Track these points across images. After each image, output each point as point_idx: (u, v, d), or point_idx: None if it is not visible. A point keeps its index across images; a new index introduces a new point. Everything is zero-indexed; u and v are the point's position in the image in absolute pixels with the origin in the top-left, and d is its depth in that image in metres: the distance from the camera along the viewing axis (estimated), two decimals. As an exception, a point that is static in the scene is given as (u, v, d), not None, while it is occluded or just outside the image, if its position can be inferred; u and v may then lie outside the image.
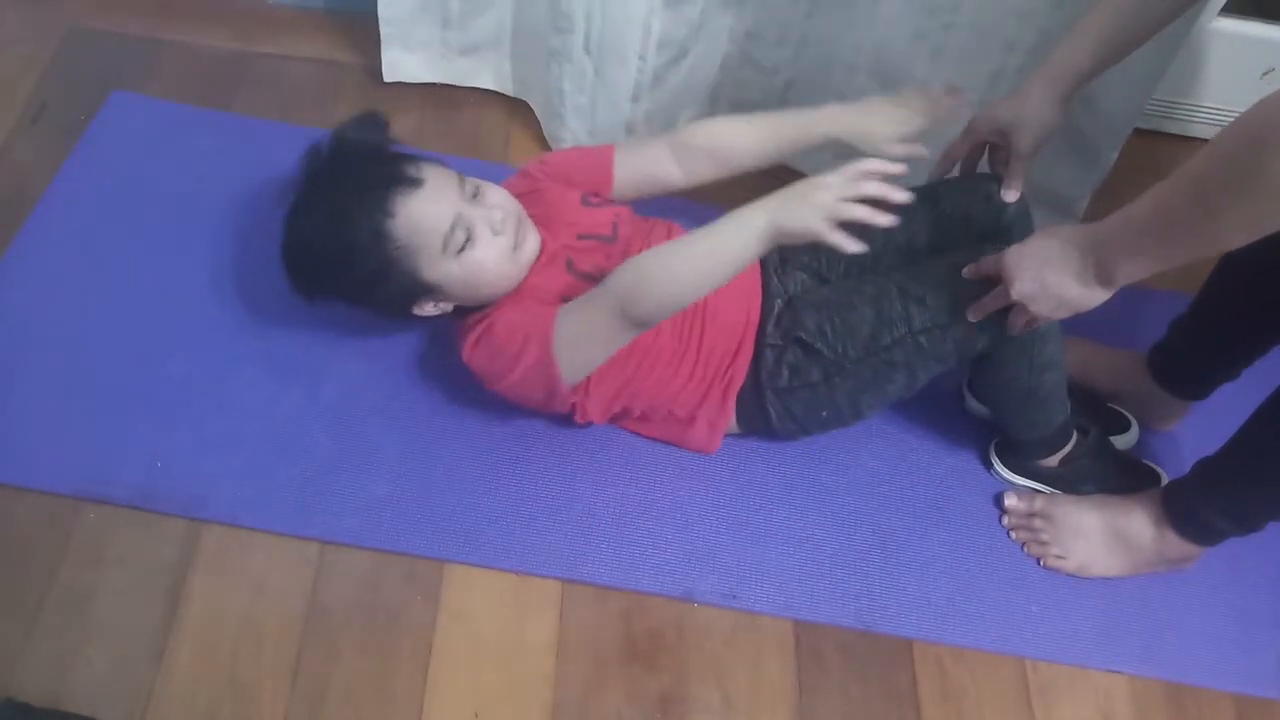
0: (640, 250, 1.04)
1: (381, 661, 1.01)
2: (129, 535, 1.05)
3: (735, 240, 0.95)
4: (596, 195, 1.15)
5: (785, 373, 1.08)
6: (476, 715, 0.99)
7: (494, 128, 1.46)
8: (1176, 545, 1.10)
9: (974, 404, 1.23)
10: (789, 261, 1.16)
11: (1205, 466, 1.07)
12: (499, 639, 1.04)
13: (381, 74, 1.42)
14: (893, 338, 1.04)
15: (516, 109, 1.47)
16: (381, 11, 1.35)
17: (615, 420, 1.15)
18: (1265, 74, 1.52)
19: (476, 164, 1.40)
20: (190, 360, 1.17)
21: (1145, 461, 1.22)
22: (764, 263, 1.14)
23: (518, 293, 1.06)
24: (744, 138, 1.14)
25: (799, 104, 1.38)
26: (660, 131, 1.22)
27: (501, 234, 1.03)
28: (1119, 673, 1.09)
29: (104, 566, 1.03)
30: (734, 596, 1.09)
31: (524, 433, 1.16)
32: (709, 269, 0.97)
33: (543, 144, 1.44)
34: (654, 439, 1.17)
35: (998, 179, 1.10)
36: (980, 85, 1.25)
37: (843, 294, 1.09)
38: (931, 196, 1.12)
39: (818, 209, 0.91)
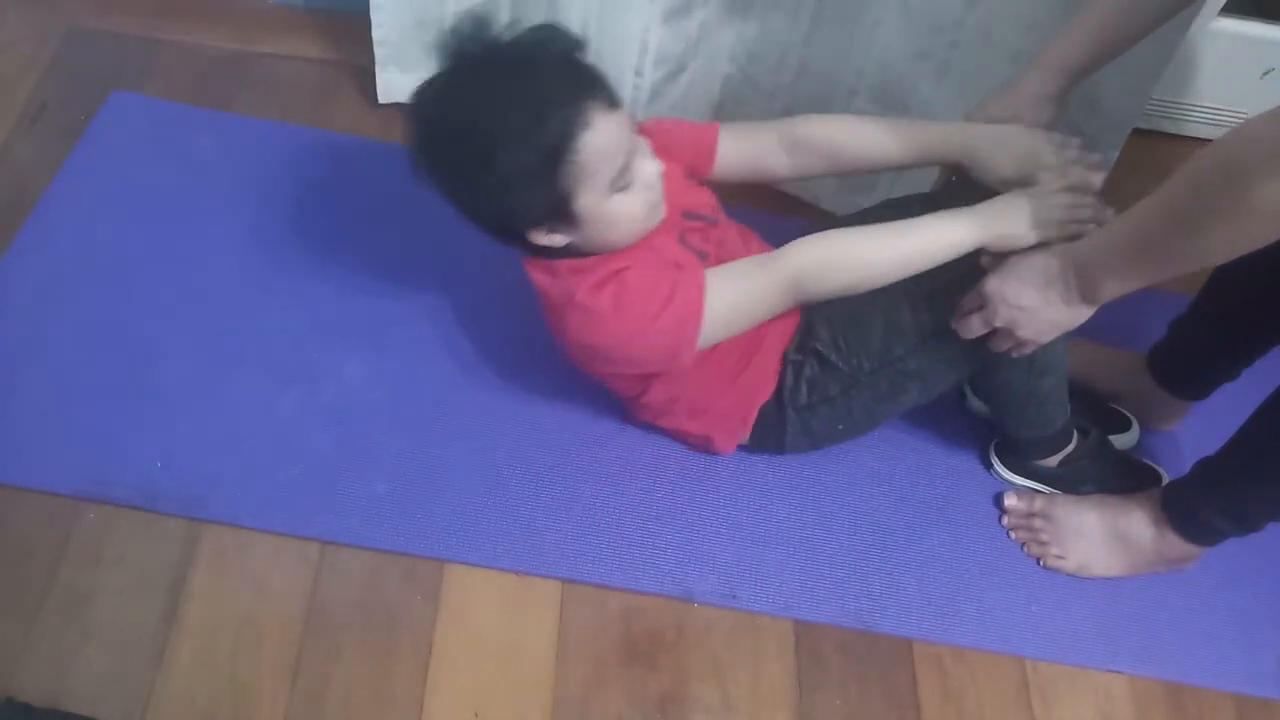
0: (733, 245, 1.04)
1: (381, 661, 1.01)
2: (129, 535, 1.05)
3: (935, 244, 0.95)
4: (695, 173, 1.10)
5: (804, 388, 1.08)
6: (476, 715, 0.99)
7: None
8: (1176, 545, 1.10)
9: (975, 402, 1.23)
10: None
11: (1205, 466, 1.07)
12: (499, 639, 1.04)
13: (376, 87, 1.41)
14: (905, 348, 1.03)
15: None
16: (375, 33, 1.34)
17: (654, 412, 1.14)
18: (1265, 74, 1.52)
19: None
20: (190, 360, 1.17)
21: (1145, 461, 1.22)
22: None
23: (643, 249, 0.99)
24: (865, 140, 1.07)
25: (804, 109, 1.37)
26: (769, 118, 1.13)
27: (650, 191, 0.97)
28: (1119, 673, 1.09)
29: (104, 566, 1.03)
30: (734, 596, 1.09)
31: (524, 433, 1.16)
32: (896, 265, 0.96)
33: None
34: (672, 433, 1.16)
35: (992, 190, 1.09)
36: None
37: (854, 306, 1.06)
38: (934, 203, 1.12)
39: (1041, 226, 0.92)
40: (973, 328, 0.97)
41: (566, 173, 0.91)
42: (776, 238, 1.05)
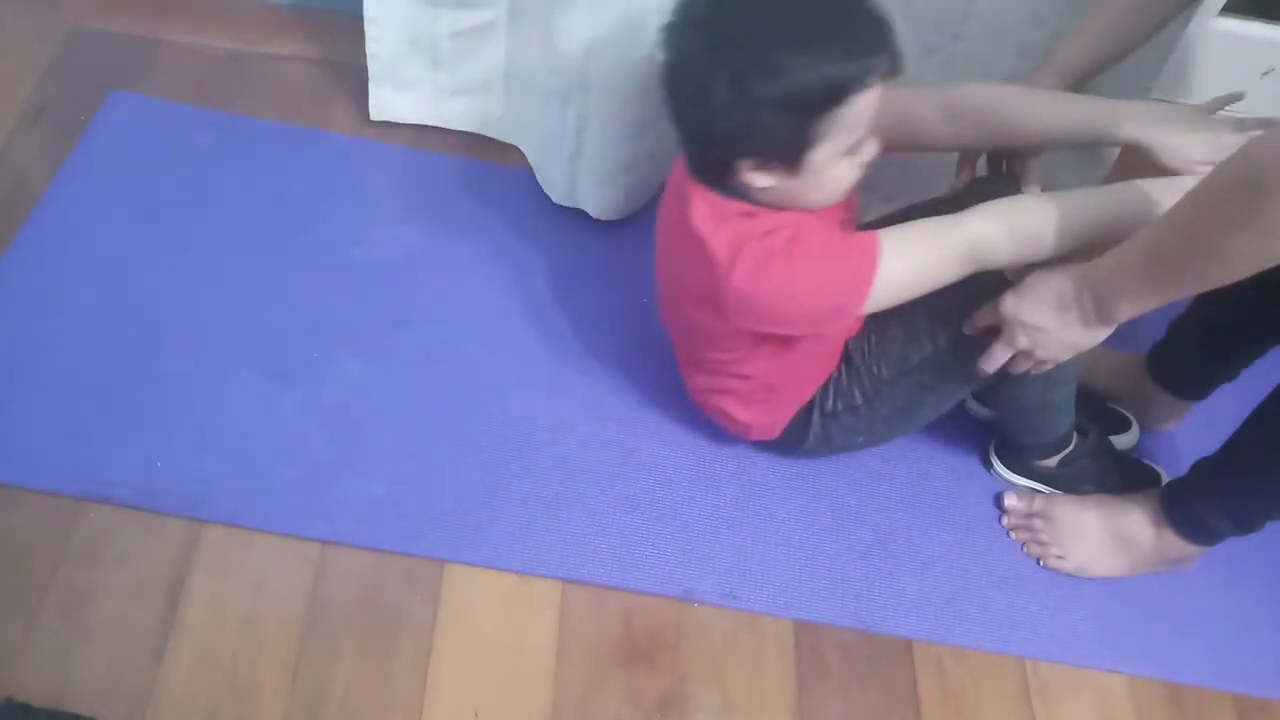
0: None
1: (381, 661, 1.01)
2: (129, 535, 1.05)
3: (1127, 216, 0.89)
4: None
5: (831, 394, 1.08)
6: (476, 715, 0.99)
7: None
8: (1176, 545, 1.10)
9: (975, 406, 1.23)
10: None
11: (1204, 466, 1.07)
12: (499, 639, 1.04)
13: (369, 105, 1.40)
14: (921, 356, 1.03)
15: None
16: (369, 48, 1.32)
17: (711, 394, 1.11)
18: (1265, 74, 1.52)
19: (479, 167, 1.40)
20: (190, 360, 1.17)
21: (1145, 462, 1.22)
22: None
23: (816, 215, 0.95)
24: (1031, 113, 1.00)
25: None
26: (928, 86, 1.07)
27: (864, 166, 0.93)
28: (1119, 673, 1.10)
29: (104, 566, 1.03)
30: (734, 596, 1.09)
31: (524, 433, 1.16)
32: (1079, 236, 0.90)
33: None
34: (713, 413, 1.14)
35: (1016, 180, 1.08)
36: None
37: (876, 312, 1.04)
38: (953, 205, 1.10)
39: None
40: (996, 357, 0.96)
41: (830, 119, 0.86)
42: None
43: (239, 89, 1.43)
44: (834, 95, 0.84)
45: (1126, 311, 0.87)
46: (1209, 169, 0.85)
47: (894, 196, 1.34)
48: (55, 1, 1.49)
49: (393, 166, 1.38)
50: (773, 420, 1.12)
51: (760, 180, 0.90)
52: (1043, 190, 1.05)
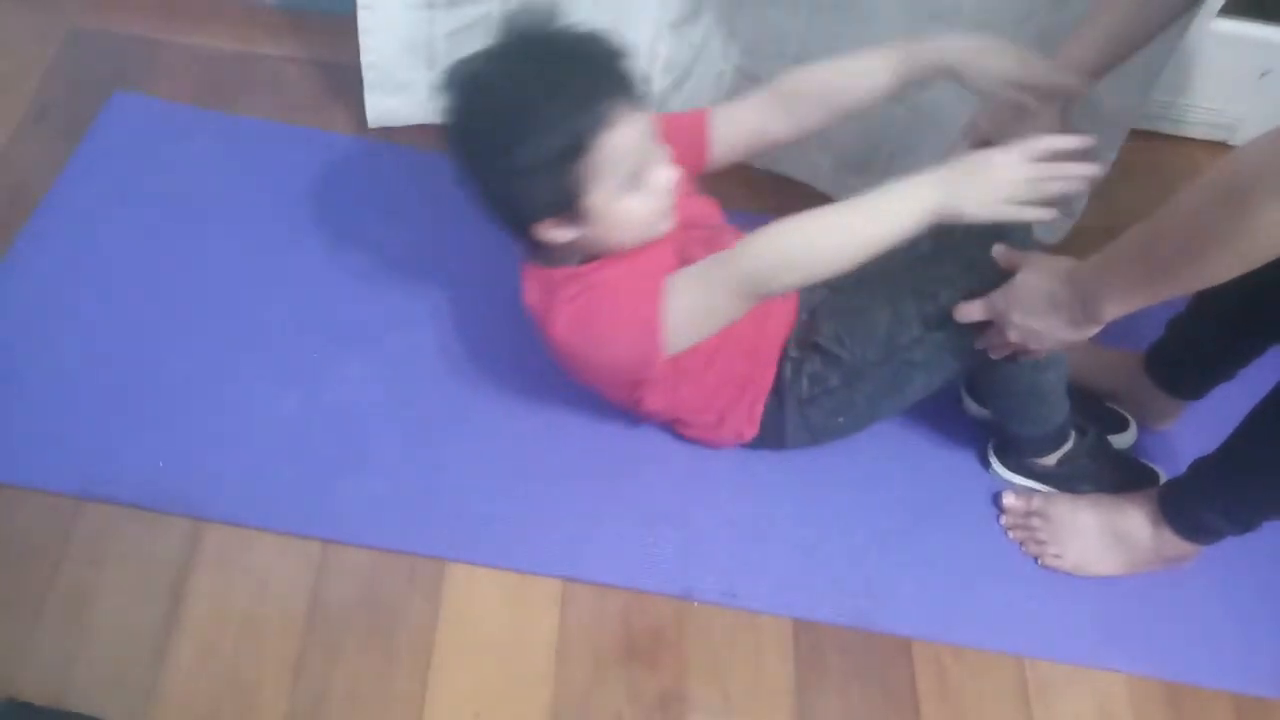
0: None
1: (382, 661, 1.01)
2: (130, 534, 1.05)
3: (891, 221, 0.90)
4: (695, 168, 1.08)
5: (805, 382, 1.08)
6: (476, 715, 1.00)
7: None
8: (1174, 544, 1.10)
9: (972, 406, 1.23)
10: None
11: (1202, 466, 1.07)
12: (499, 639, 1.04)
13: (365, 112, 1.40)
14: (911, 337, 1.04)
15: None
16: (364, 57, 1.32)
17: (657, 416, 1.14)
18: (1264, 75, 1.53)
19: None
20: (192, 360, 1.17)
21: (1143, 461, 1.22)
22: None
23: (635, 257, 1.00)
24: (855, 75, 1.04)
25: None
26: (751, 88, 1.10)
27: (661, 199, 0.97)
28: (1117, 671, 1.10)
29: (105, 566, 1.03)
30: (734, 595, 1.09)
31: (524, 433, 1.16)
32: (855, 248, 0.91)
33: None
34: (677, 432, 1.17)
35: None
36: None
37: (857, 300, 1.08)
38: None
39: (999, 190, 0.87)
40: (992, 344, 1.00)
41: (582, 167, 0.91)
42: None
43: (241, 90, 1.44)
44: (575, 144, 0.90)
45: (1114, 311, 0.89)
46: (1015, 90, 0.95)
47: (917, 108, 1.35)
48: (58, 2, 1.49)
49: (393, 166, 1.38)
50: (735, 428, 1.12)
51: (562, 235, 0.97)
52: None
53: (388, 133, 1.41)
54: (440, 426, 1.16)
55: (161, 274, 1.23)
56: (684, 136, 1.05)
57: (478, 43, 1.30)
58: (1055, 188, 0.88)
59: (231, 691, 0.98)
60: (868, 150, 1.36)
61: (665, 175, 0.97)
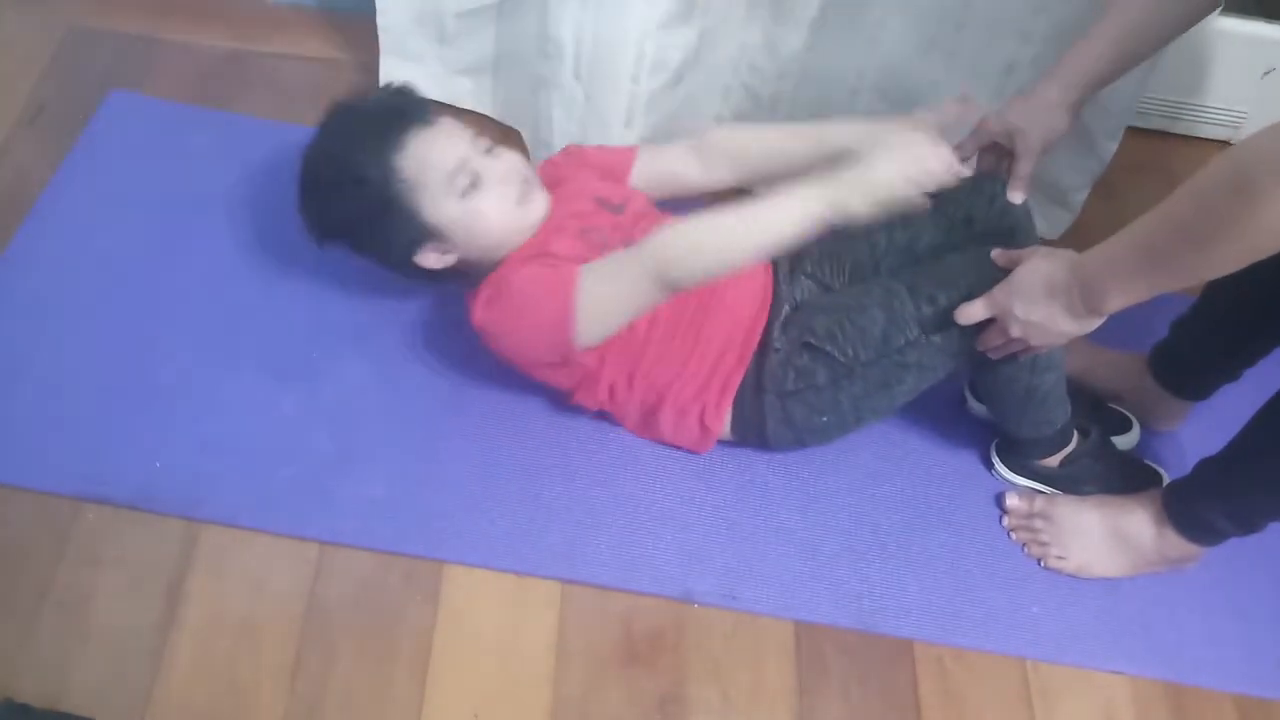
0: (646, 230, 1.05)
1: (381, 662, 1.01)
2: (128, 535, 1.05)
3: (787, 217, 0.97)
4: (612, 177, 1.17)
5: (791, 375, 1.08)
6: (476, 716, 0.99)
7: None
8: (1177, 545, 1.10)
9: (975, 405, 1.23)
10: (797, 269, 1.16)
11: (1206, 467, 1.07)
12: (499, 639, 1.04)
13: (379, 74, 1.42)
14: (906, 339, 1.03)
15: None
16: (380, 20, 1.35)
17: (607, 407, 1.14)
18: (1266, 74, 1.52)
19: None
20: (189, 360, 1.16)
21: (1146, 462, 1.22)
22: (774, 268, 1.14)
23: (534, 249, 1.06)
24: (760, 143, 1.16)
25: (804, 110, 1.37)
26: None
27: (508, 185, 1.05)
28: (1120, 673, 1.09)
29: (103, 567, 1.03)
30: (734, 597, 1.08)
31: (524, 433, 1.16)
32: (756, 242, 0.99)
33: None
34: (647, 438, 1.16)
35: (1002, 180, 1.09)
36: (994, 77, 1.25)
37: (852, 298, 1.08)
38: (933, 197, 1.12)
39: (877, 202, 0.96)
40: (987, 343, 1.00)
41: (401, 193, 1.02)
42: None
43: (238, 88, 1.43)
44: (379, 180, 1.02)
45: (1116, 303, 0.89)
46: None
47: None
48: (54, 1, 1.49)
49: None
50: (704, 415, 1.11)
51: (441, 260, 1.07)
52: (1026, 193, 1.09)
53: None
54: (439, 426, 1.16)
55: (159, 273, 1.23)
56: (612, 156, 1.18)
57: (485, 28, 1.31)
58: (932, 183, 0.98)
59: (228, 693, 0.98)
60: None
61: (503, 164, 1.05)
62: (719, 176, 1.16)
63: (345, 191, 1.04)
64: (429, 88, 1.38)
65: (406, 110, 1.05)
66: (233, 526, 1.06)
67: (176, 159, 1.34)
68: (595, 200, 1.11)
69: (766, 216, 0.98)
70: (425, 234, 1.05)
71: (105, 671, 0.98)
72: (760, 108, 1.35)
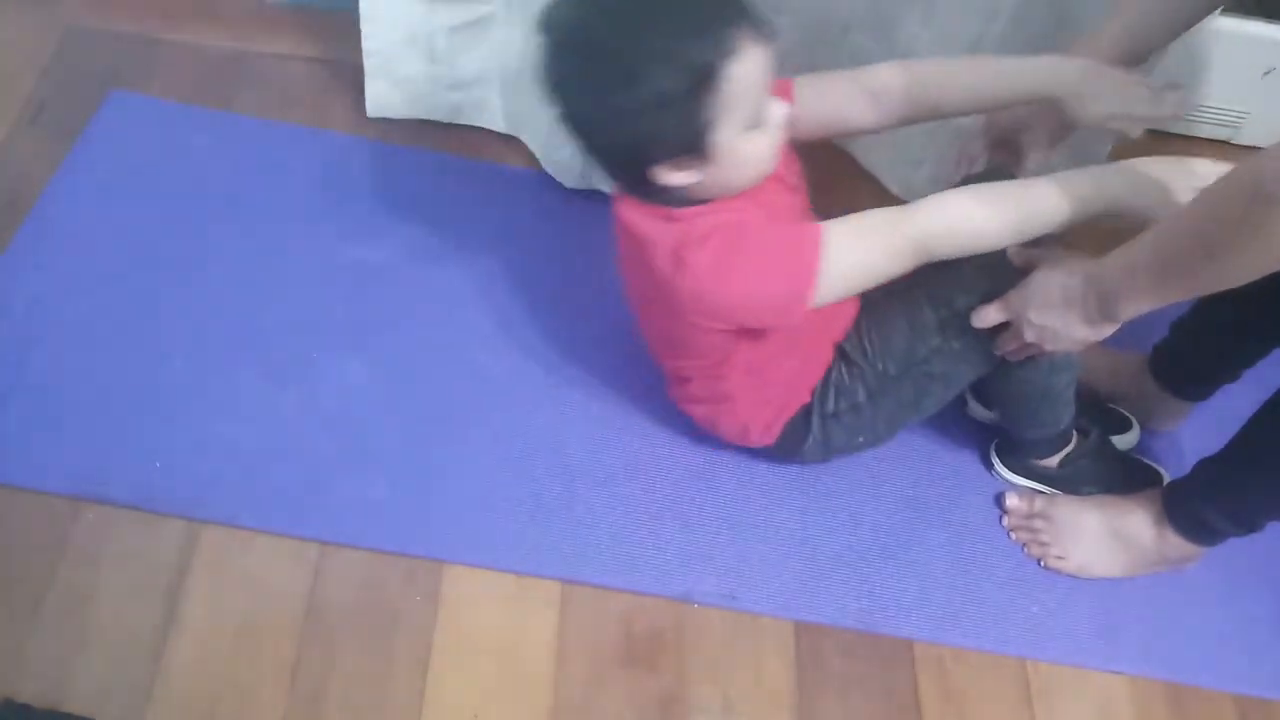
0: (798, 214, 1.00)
1: (381, 662, 1.01)
2: (128, 535, 1.05)
3: (1059, 206, 0.91)
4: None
5: (832, 394, 1.07)
6: (476, 716, 0.99)
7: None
8: (1177, 545, 1.10)
9: (978, 409, 1.23)
10: None
11: (1206, 467, 1.07)
12: (499, 639, 1.04)
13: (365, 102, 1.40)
14: (929, 348, 1.03)
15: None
16: (365, 44, 1.31)
17: (696, 400, 1.10)
18: (1266, 74, 1.52)
19: (478, 166, 1.40)
20: (189, 360, 1.16)
21: (1146, 462, 1.22)
22: None
23: (754, 199, 0.94)
24: (952, 84, 1.02)
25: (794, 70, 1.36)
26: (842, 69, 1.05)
27: (779, 131, 0.92)
28: (1120, 673, 1.09)
29: (103, 567, 1.03)
30: (734, 597, 1.08)
31: (524, 433, 1.16)
32: (1021, 227, 0.93)
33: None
34: (702, 424, 1.14)
35: (1012, 178, 1.08)
36: (962, 47, 1.24)
37: (875, 306, 1.06)
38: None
39: (1165, 202, 0.90)
40: (1004, 347, 0.99)
41: (712, 101, 0.84)
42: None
43: (238, 88, 1.43)
44: (702, 79, 0.83)
45: (1131, 310, 0.89)
46: (1120, 120, 0.95)
47: (925, 160, 1.34)
48: (54, 1, 1.49)
49: (392, 165, 1.38)
50: (766, 424, 1.11)
51: (680, 178, 0.89)
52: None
53: (385, 131, 1.40)
54: (439, 427, 1.15)
55: (158, 273, 1.23)
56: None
57: (480, 41, 1.31)
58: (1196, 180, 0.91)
59: (229, 693, 0.98)
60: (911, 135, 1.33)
61: (780, 109, 0.91)
62: (894, 118, 1.02)
63: (654, 65, 0.82)
64: (417, 108, 1.39)
65: (747, 13, 0.85)
66: (233, 526, 1.06)
67: (176, 159, 1.34)
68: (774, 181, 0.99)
69: (1039, 204, 0.91)
70: (695, 148, 0.87)
71: (105, 671, 0.98)
72: None
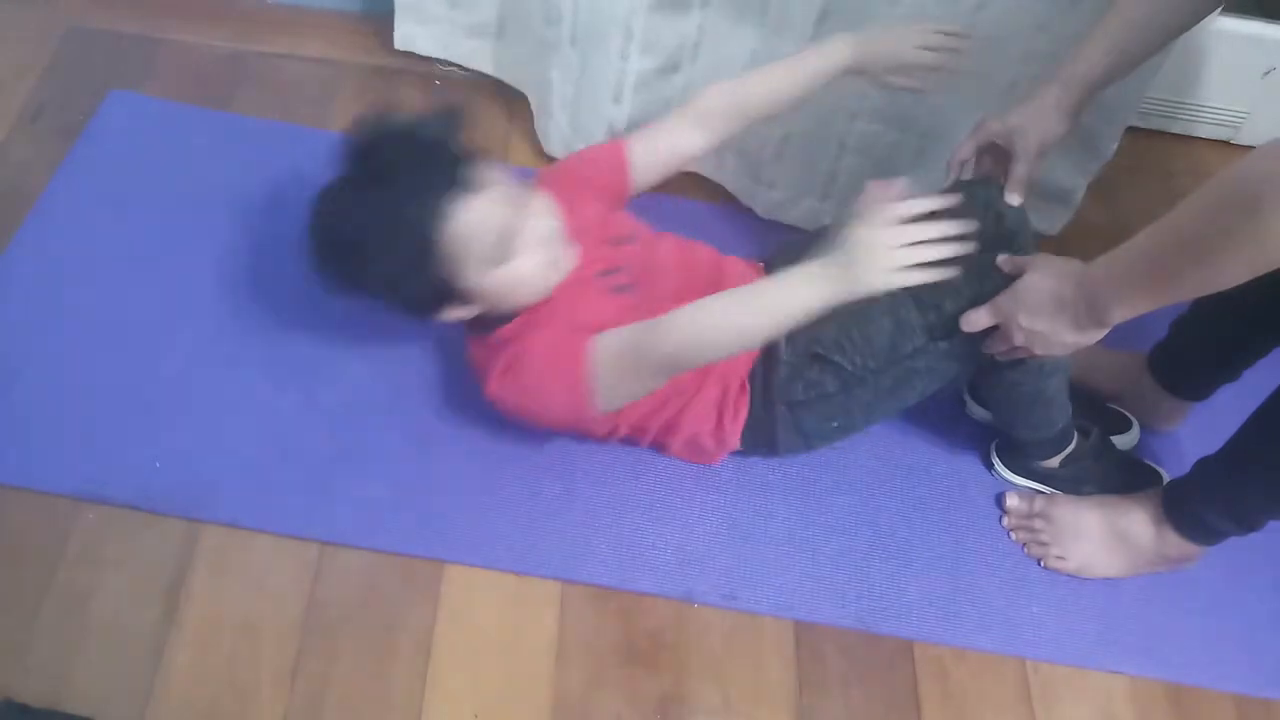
0: (665, 258, 1.08)
1: (381, 662, 1.01)
2: (128, 536, 1.05)
3: (791, 308, 0.94)
4: (620, 197, 1.15)
5: (800, 386, 1.07)
6: (476, 716, 0.99)
7: (492, 129, 1.46)
8: (1177, 545, 1.10)
9: (976, 409, 1.23)
10: None
11: (1206, 466, 1.07)
12: (499, 639, 1.04)
13: (392, 44, 1.45)
14: (914, 346, 1.03)
15: (515, 111, 1.46)
16: None
17: (620, 439, 1.15)
18: (1266, 73, 1.52)
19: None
20: (189, 360, 1.16)
21: (1146, 462, 1.22)
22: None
23: (548, 314, 1.04)
24: (762, 87, 1.13)
25: (800, 138, 1.37)
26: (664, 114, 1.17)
27: (545, 247, 1.02)
28: (1120, 673, 1.09)
29: (103, 567, 1.03)
30: (734, 597, 1.08)
31: (524, 434, 1.16)
32: (759, 331, 0.97)
33: (536, 143, 1.43)
34: (654, 452, 1.17)
35: (1000, 183, 1.09)
36: (998, 95, 1.25)
37: (857, 307, 1.07)
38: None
39: (884, 270, 0.91)
40: (997, 349, 1.00)
41: (441, 261, 0.97)
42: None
43: (238, 88, 1.43)
44: (419, 249, 0.96)
45: (1121, 314, 0.89)
46: (917, 66, 1.07)
47: (930, 133, 1.34)
48: (54, 1, 1.49)
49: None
50: (720, 436, 1.11)
51: (465, 314, 1.04)
52: (1023, 195, 1.07)
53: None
54: (440, 427, 1.16)
55: (158, 273, 1.23)
56: (605, 170, 1.13)
57: None
58: (930, 252, 0.91)
59: (229, 693, 0.98)
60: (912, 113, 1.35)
61: (541, 228, 1.01)
62: (723, 134, 1.14)
63: (377, 254, 0.97)
64: (440, 47, 1.45)
65: (451, 171, 0.97)
66: (233, 526, 1.06)
67: (177, 159, 1.34)
68: (607, 242, 1.09)
69: (773, 311, 0.95)
70: (456, 295, 1.01)
71: (105, 671, 0.98)
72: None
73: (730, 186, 1.42)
